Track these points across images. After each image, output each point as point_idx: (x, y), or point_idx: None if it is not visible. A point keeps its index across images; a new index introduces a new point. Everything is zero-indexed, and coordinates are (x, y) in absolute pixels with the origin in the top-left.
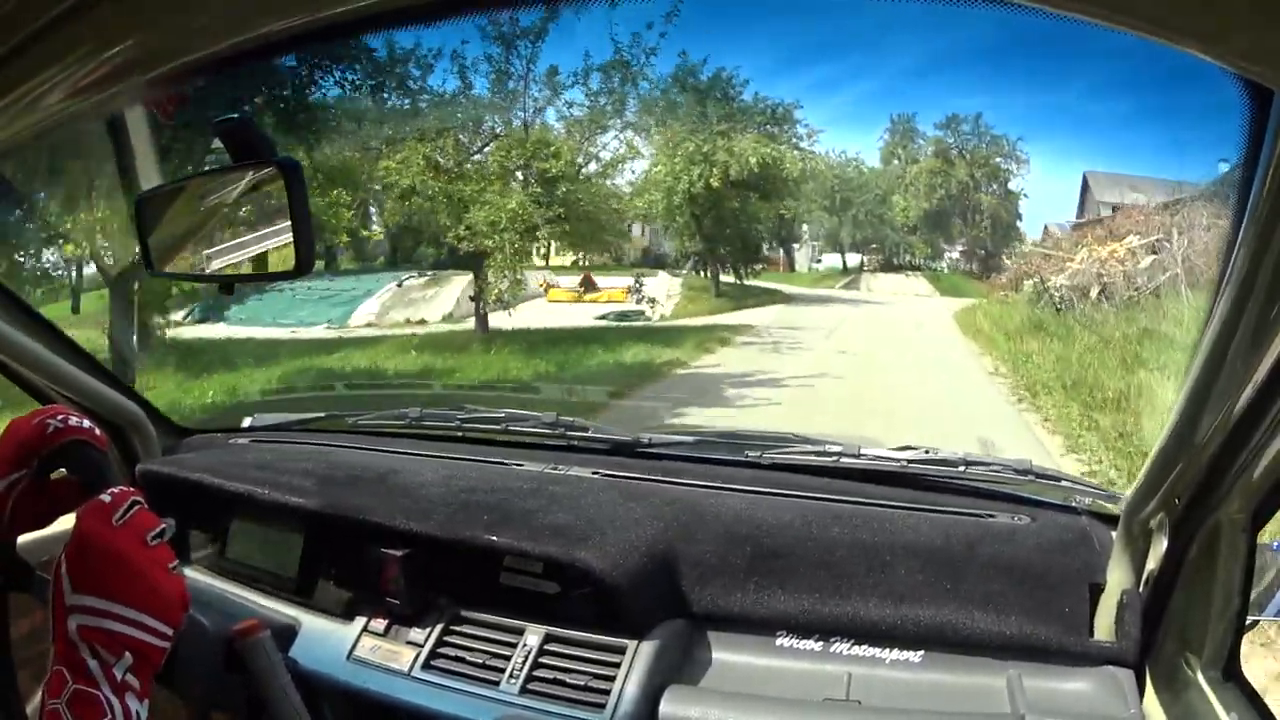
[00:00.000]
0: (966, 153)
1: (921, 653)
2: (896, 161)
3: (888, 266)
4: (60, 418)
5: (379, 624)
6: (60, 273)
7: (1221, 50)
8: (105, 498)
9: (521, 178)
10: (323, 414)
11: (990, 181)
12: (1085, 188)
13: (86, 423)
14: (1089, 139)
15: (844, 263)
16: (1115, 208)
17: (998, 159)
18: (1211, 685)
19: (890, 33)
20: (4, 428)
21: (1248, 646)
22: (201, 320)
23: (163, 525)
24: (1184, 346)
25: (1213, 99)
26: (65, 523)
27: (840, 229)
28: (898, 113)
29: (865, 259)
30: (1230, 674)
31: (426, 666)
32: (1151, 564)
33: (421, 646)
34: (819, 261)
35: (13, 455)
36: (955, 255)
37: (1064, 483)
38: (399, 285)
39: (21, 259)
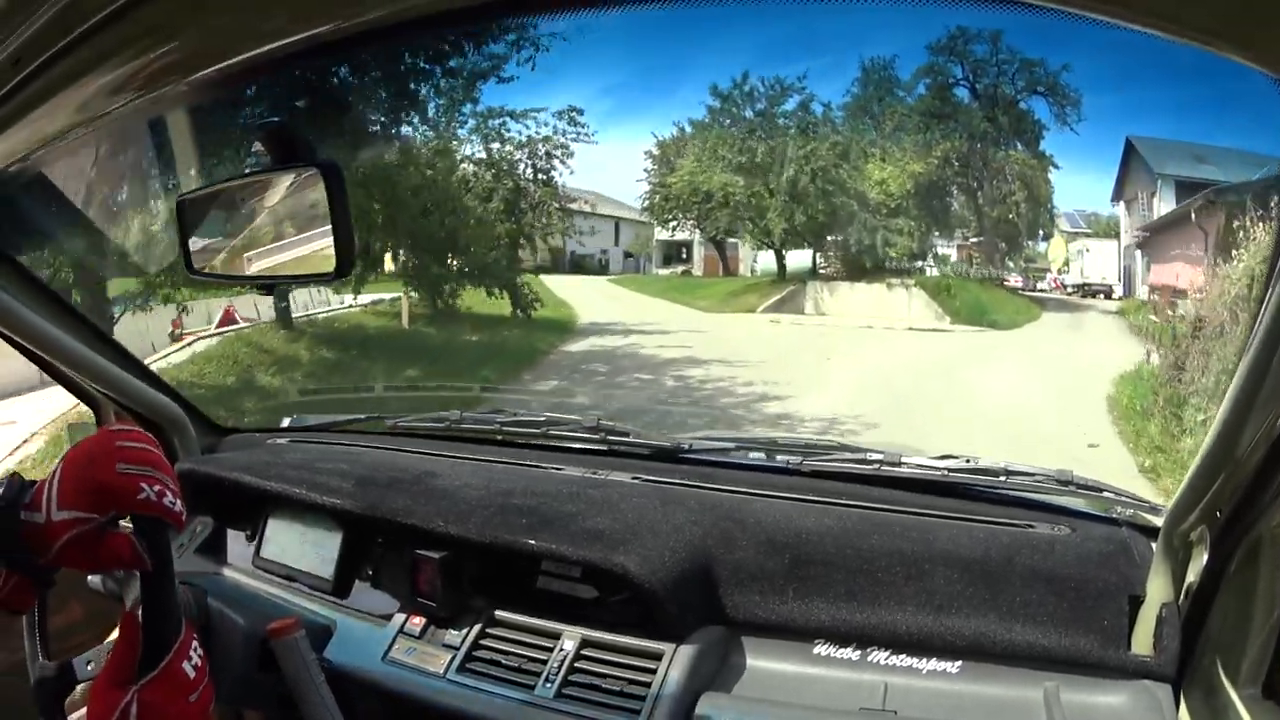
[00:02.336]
0: (981, 86)
1: (959, 663)
2: (870, 120)
3: (856, 270)
4: (157, 489)
5: (415, 625)
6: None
7: (1255, 53)
8: (189, 671)
9: None
10: (362, 415)
11: (1017, 134)
12: (1130, 156)
13: (179, 505)
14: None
15: (780, 266)
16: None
17: (1032, 96)
18: (1248, 702)
19: (871, 34)
20: (89, 450)
21: None
22: None
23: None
24: None
25: (1229, 96)
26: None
27: (769, 205)
28: (870, 57)
29: (820, 257)
30: (1269, 691)
31: (462, 669)
32: (1191, 577)
33: (457, 649)
34: (757, 262)
35: (93, 497)
36: (958, 249)
37: (1105, 493)
38: None
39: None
